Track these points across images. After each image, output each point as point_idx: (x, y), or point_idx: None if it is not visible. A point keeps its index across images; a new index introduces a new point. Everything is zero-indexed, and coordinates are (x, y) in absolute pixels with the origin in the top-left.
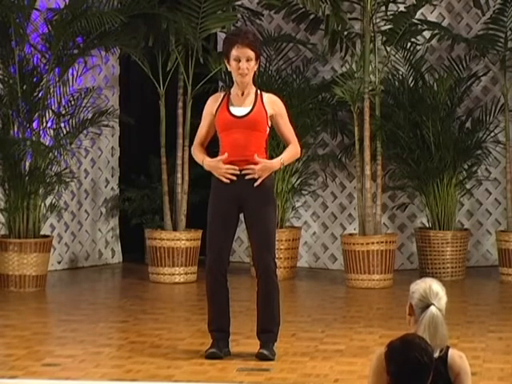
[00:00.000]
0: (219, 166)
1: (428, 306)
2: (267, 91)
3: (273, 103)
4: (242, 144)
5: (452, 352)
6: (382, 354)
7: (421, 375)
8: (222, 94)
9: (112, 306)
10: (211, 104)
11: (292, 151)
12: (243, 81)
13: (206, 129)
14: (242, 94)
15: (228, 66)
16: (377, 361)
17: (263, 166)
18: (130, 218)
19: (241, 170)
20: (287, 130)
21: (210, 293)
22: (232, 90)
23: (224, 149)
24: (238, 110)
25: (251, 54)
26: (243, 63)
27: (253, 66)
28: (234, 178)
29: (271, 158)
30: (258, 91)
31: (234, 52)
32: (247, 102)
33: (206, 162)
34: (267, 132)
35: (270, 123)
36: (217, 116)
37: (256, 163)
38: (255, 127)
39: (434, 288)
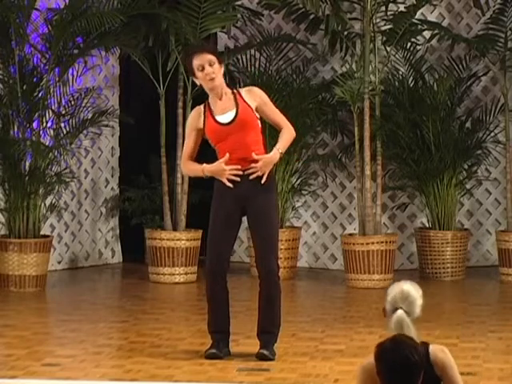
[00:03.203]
0: (222, 168)
1: (396, 309)
2: (247, 85)
3: (252, 94)
4: (239, 147)
5: (433, 348)
6: (367, 365)
7: (411, 373)
8: (202, 107)
9: (112, 306)
10: (195, 120)
11: (286, 135)
12: (214, 85)
13: (192, 144)
14: (221, 99)
15: (197, 81)
16: (362, 374)
17: (264, 162)
18: (130, 218)
19: (243, 171)
20: (274, 115)
21: (210, 294)
22: (210, 100)
23: (223, 155)
24: (225, 117)
25: (211, 57)
26: (207, 68)
27: (218, 68)
28: (238, 179)
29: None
30: (235, 90)
31: (196, 62)
32: (229, 105)
33: (207, 168)
34: (259, 124)
35: (258, 115)
36: (206, 130)
37: (256, 161)
38: (247, 126)
39: (405, 292)
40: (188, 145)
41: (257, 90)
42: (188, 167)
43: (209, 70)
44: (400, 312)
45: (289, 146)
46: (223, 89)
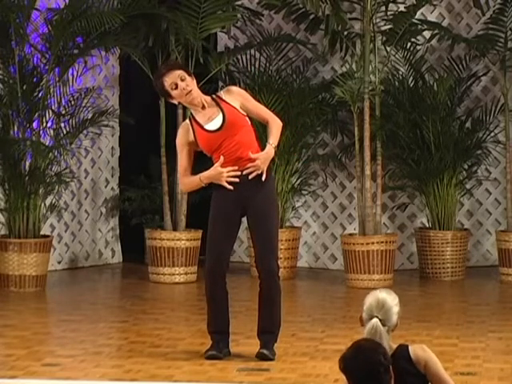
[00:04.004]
0: (219, 171)
1: (372, 318)
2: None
3: (233, 94)
4: (235, 149)
5: (412, 348)
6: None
7: (378, 373)
8: (188, 122)
9: (112, 306)
10: (184, 135)
11: (275, 129)
12: (193, 97)
13: (186, 159)
14: (203, 108)
15: (175, 101)
16: None
17: (262, 159)
18: (130, 218)
19: (241, 171)
20: (258, 109)
21: (210, 295)
22: (193, 113)
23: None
24: (213, 124)
25: (180, 72)
26: (180, 84)
27: (190, 80)
28: (237, 179)
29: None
30: (214, 96)
31: (167, 82)
32: (214, 111)
33: (204, 175)
34: (249, 121)
35: (244, 113)
36: (198, 142)
37: (253, 160)
38: (237, 127)
39: (380, 300)
40: (181, 161)
41: (235, 89)
42: (185, 182)
43: (182, 85)
44: (374, 320)
45: (280, 136)
46: (202, 98)
